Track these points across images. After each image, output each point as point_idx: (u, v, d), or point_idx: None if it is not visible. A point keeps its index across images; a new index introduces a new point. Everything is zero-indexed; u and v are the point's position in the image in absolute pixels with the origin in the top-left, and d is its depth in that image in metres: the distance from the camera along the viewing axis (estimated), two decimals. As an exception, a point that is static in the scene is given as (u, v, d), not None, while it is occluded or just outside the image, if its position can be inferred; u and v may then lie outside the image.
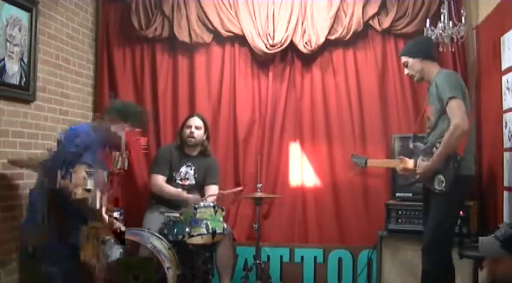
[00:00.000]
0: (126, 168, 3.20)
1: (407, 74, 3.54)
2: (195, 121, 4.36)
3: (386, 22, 4.52)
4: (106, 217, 2.85)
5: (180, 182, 4.35)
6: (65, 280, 2.76)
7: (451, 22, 3.88)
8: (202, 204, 3.89)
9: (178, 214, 3.86)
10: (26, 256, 2.92)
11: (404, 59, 3.53)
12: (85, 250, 2.75)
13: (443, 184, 3.21)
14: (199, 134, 4.35)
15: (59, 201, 2.79)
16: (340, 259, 4.49)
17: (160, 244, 3.64)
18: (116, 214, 2.99)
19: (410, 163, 3.42)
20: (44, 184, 2.87)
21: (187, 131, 4.34)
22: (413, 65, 3.47)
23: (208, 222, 3.77)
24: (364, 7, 4.53)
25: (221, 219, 3.89)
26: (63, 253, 2.79)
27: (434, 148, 3.26)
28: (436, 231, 3.28)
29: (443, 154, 3.20)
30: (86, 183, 2.72)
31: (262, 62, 4.73)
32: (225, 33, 4.69)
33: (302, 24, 4.60)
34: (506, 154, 3.55)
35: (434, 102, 3.34)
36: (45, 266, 2.78)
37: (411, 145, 3.50)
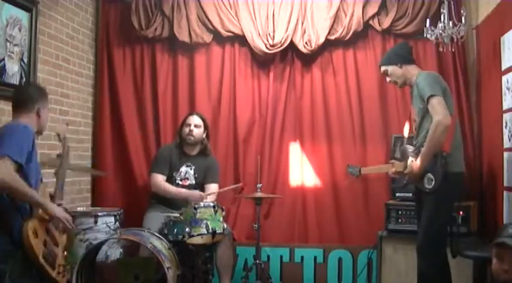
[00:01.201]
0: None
1: (390, 81, 3.60)
2: (194, 119, 4.37)
3: (386, 22, 4.52)
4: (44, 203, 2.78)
5: (180, 182, 4.35)
6: (13, 278, 2.63)
7: (451, 22, 3.88)
8: (202, 204, 3.89)
9: (178, 214, 3.86)
10: None
11: (383, 68, 3.59)
12: (30, 245, 2.64)
13: (433, 183, 3.22)
14: (198, 132, 4.35)
15: None
16: (340, 259, 4.48)
17: (160, 244, 3.64)
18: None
19: (400, 165, 3.43)
20: None
21: (186, 129, 4.34)
22: (394, 71, 3.53)
23: (208, 222, 3.77)
24: (364, 7, 4.53)
25: (221, 219, 3.89)
26: (8, 250, 2.65)
27: (422, 148, 3.28)
28: (428, 231, 3.28)
29: (429, 152, 3.22)
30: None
31: (262, 62, 4.73)
32: (225, 33, 4.69)
33: (302, 24, 4.60)
34: (506, 155, 3.55)
35: (417, 103, 3.39)
36: None
37: (401, 148, 3.51)
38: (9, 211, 2.68)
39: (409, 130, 3.61)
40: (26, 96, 2.95)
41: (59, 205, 2.93)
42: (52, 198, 2.95)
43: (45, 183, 3.00)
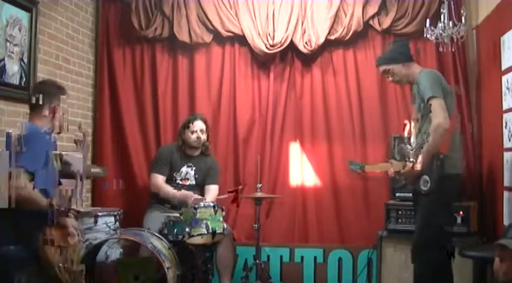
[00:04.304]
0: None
1: (392, 80, 3.57)
2: (200, 125, 4.34)
3: (386, 22, 4.52)
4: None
5: (180, 182, 4.36)
6: None
7: (451, 22, 3.88)
8: (202, 204, 3.89)
9: (178, 214, 3.86)
10: None
11: (386, 67, 3.54)
12: (45, 253, 2.62)
13: (428, 184, 3.21)
14: (204, 136, 4.36)
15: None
16: (340, 259, 4.48)
17: (160, 244, 3.64)
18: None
19: (398, 165, 3.42)
20: None
21: (194, 136, 4.32)
22: (398, 71, 3.51)
23: (208, 222, 3.77)
24: (364, 7, 4.53)
25: (221, 219, 3.89)
26: (24, 257, 2.62)
27: (421, 149, 3.27)
28: (422, 232, 3.28)
29: (428, 155, 3.22)
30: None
31: (262, 62, 4.73)
32: (225, 33, 4.69)
33: (302, 24, 4.60)
34: (506, 154, 3.55)
35: (417, 102, 3.39)
36: (8, 272, 2.60)
37: (399, 148, 3.51)
38: (26, 219, 2.67)
39: (409, 130, 3.60)
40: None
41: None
42: None
43: None
